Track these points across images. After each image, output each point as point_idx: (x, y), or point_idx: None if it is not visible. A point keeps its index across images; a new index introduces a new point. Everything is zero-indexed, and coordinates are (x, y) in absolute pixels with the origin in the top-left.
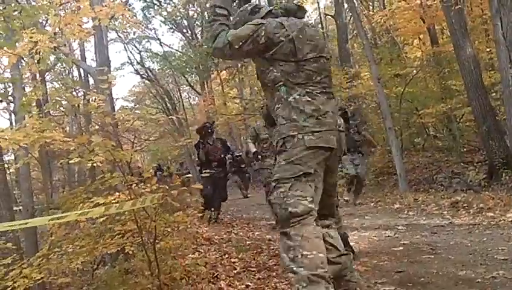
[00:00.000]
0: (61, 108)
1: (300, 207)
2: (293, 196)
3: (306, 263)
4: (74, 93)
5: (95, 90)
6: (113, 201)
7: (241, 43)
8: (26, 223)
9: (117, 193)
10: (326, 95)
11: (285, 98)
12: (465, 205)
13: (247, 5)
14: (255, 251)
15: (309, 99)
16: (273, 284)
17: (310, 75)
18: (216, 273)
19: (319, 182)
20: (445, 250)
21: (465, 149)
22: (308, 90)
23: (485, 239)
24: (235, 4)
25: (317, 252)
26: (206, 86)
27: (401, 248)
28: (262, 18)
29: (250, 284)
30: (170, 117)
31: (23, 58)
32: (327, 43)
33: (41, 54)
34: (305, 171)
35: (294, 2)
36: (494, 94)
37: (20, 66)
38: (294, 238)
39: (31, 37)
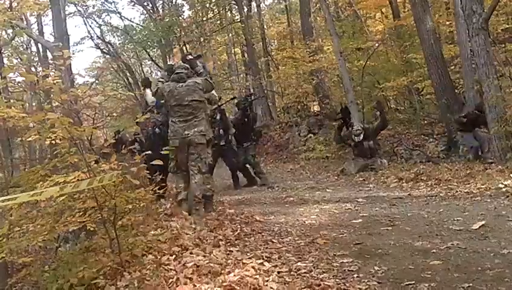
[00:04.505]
0: (19, 84)
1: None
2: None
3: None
4: (33, 69)
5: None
6: (73, 179)
7: (155, 93)
8: None
9: (76, 172)
10: (184, 122)
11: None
12: (423, 177)
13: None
14: (217, 225)
15: (171, 123)
16: (234, 257)
17: (175, 112)
18: (179, 248)
19: (182, 156)
20: (402, 222)
21: (425, 122)
22: (173, 119)
23: (441, 210)
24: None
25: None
26: (168, 60)
27: (360, 221)
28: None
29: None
30: (130, 93)
31: None
32: (196, 91)
33: None
34: (174, 157)
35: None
36: (453, 67)
37: None
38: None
39: None
